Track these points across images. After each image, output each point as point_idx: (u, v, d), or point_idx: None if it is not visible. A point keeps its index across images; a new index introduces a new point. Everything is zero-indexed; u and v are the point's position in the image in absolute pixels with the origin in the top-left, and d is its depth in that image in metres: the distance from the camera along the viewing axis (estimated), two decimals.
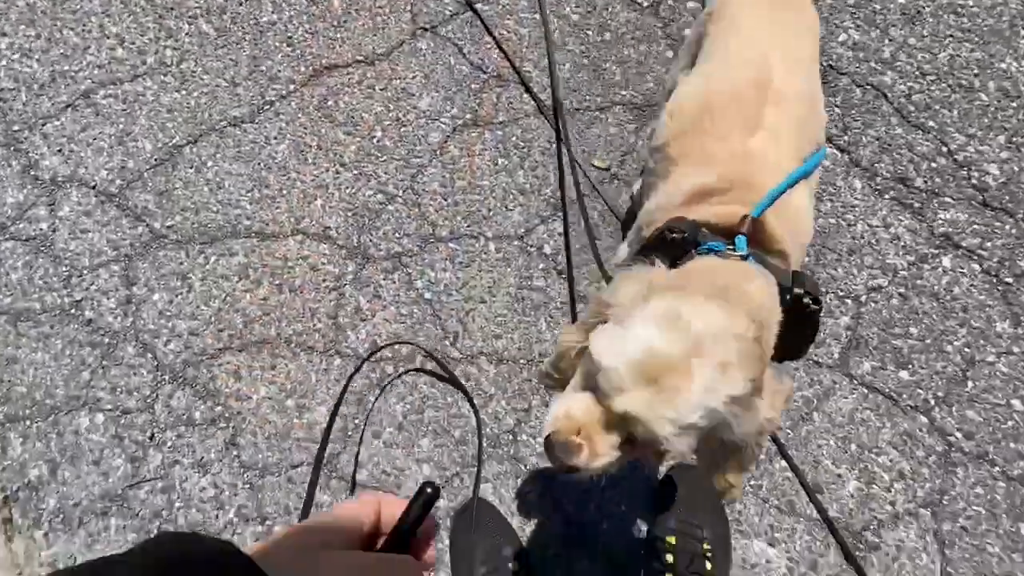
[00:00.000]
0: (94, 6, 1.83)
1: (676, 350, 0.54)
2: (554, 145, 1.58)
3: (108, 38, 1.80)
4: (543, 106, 1.60)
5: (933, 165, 1.48)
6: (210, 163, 1.65)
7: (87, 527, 1.38)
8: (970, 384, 1.32)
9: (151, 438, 1.43)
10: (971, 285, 1.39)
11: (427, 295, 1.49)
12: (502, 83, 1.66)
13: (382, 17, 1.80)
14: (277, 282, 1.52)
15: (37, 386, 1.49)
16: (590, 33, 1.72)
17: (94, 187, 1.65)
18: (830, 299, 1.38)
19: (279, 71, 1.75)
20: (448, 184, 1.57)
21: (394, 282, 1.51)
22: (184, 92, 1.74)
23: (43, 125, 1.72)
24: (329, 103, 1.70)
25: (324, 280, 1.52)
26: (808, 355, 1.33)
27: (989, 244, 1.43)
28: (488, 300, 1.46)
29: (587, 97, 1.61)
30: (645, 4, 1.76)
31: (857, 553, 1.21)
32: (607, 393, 0.58)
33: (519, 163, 1.56)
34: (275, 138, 1.66)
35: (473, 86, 1.67)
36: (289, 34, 1.79)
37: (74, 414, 1.46)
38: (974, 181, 1.47)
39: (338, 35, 1.78)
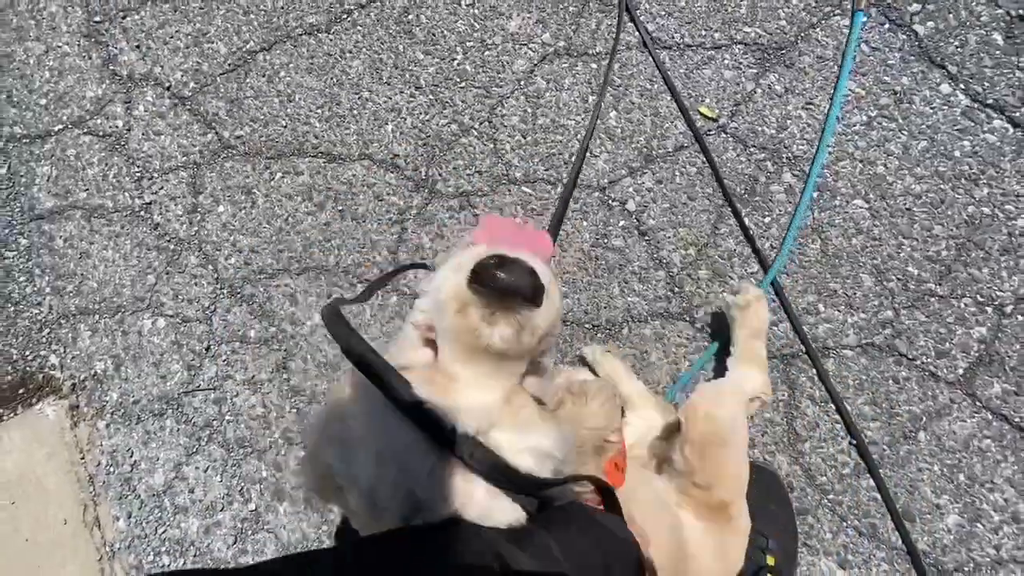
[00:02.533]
0: None
1: None
2: (655, 87, 1.31)
3: None
4: (650, 39, 1.31)
5: None
6: (282, 73, 1.48)
7: (144, 424, 1.35)
8: None
9: (207, 349, 1.36)
10: None
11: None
12: (605, 7, 1.37)
13: None
14: (340, 208, 1.37)
15: (106, 283, 1.44)
16: None
17: (168, 88, 1.52)
18: (966, 304, 1.10)
19: None
20: (529, 120, 1.34)
21: (459, 222, 1.33)
22: (246, 19, 1.55)
23: (123, 18, 1.58)
24: (410, 16, 1.46)
25: (388, 212, 1.35)
26: (925, 365, 1.07)
27: None
28: (557, 255, 1.26)
29: (703, 31, 1.30)
30: None
31: None
32: None
33: (612, 103, 1.31)
34: (350, 52, 1.46)
35: (571, 8, 1.39)
36: None
37: (139, 315, 1.40)
38: None
39: None
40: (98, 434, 1.33)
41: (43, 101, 1.56)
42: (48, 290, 1.43)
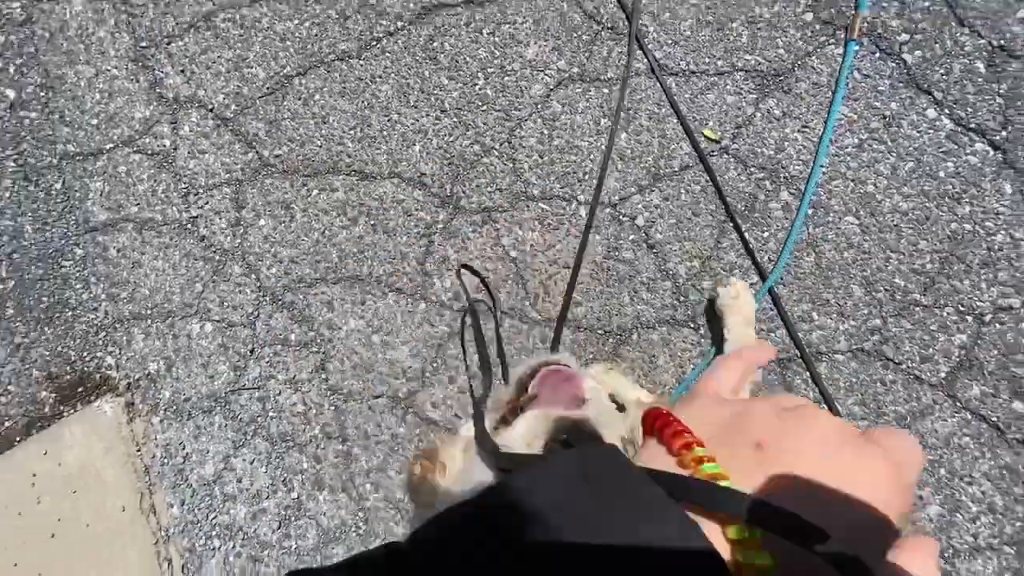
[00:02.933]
0: None
1: None
2: (663, 110, 1.41)
3: None
4: (657, 66, 1.42)
5: None
6: (317, 96, 1.59)
7: (195, 420, 1.47)
8: None
9: (251, 352, 1.48)
10: None
11: (513, 253, 1.42)
12: (616, 36, 1.48)
13: None
14: (372, 222, 1.49)
15: (157, 290, 1.56)
16: None
17: (212, 110, 1.64)
18: (948, 313, 1.20)
19: (388, 6, 1.63)
20: (546, 142, 1.44)
21: (482, 236, 1.44)
22: (296, 21, 1.66)
23: (168, 44, 1.71)
24: (435, 44, 1.58)
25: (416, 226, 1.47)
26: (910, 369, 1.17)
27: None
28: (572, 265, 1.37)
29: (707, 59, 1.40)
30: None
31: None
32: None
33: (623, 126, 1.41)
34: (379, 77, 1.57)
35: (584, 37, 1.50)
36: None
37: (188, 320, 1.52)
38: None
39: None
40: (153, 429, 1.46)
41: (94, 121, 1.69)
42: (103, 297, 1.56)
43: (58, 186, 1.66)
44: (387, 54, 1.56)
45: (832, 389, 1.19)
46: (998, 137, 1.22)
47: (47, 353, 1.50)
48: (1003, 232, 1.20)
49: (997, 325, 1.17)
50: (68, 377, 1.51)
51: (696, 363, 1.26)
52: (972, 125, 1.25)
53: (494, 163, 1.43)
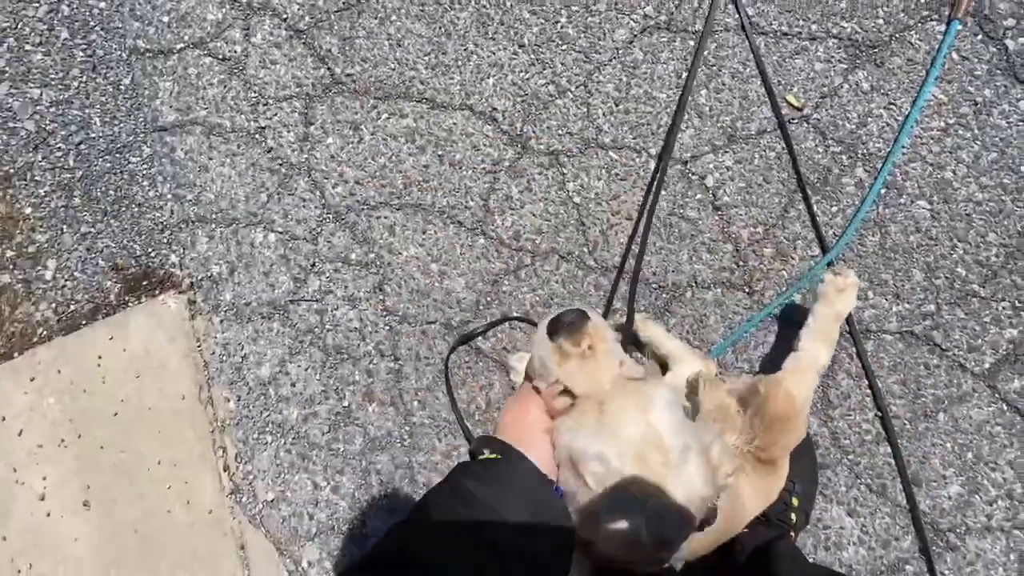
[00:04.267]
0: None
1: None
2: (747, 70, 1.36)
3: None
4: (749, 23, 1.36)
5: None
6: (394, 17, 1.54)
7: (254, 324, 1.52)
8: None
9: (312, 266, 1.51)
10: None
11: (576, 199, 1.41)
12: None
13: None
14: (439, 153, 1.48)
15: (223, 196, 1.57)
16: None
17: (285, 19, 1.59)
18: (1004, 307, 1.20)
19: None
20: (623, 89, 1.41)
21: (547, 179, 1.43)
22: None
23: None
24: None
25: (483, 162, 1.46)
26: (955, 357, 1.19)
27: None
28: (635, 218, 1.37)
29: (801, 21, 1.34)
30: None
31: (934, 548, 1.16)
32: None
33: (704, 81, 1.37)
34: (460, 3, 1.51)
35: None
36: None
37: (251, 228, 1.54)
38: None
39: None
40: (213, 327, 1.51)
41: (165, 19, 1.65)
42: (169, 196, 1.58)
43: (127, 81, 1.64)
44: None
45: (875, 366, 1.21)
46: None
47: (113, 245, 1.54)
48: None
49: None
50: (133, 270, 1.55)
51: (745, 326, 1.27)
52: None
53: (568, 106, 1.41)
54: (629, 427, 0.55)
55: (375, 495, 1.37)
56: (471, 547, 0.49)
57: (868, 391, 1.19)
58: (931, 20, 1.26)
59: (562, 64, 1.40)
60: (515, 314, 1.32)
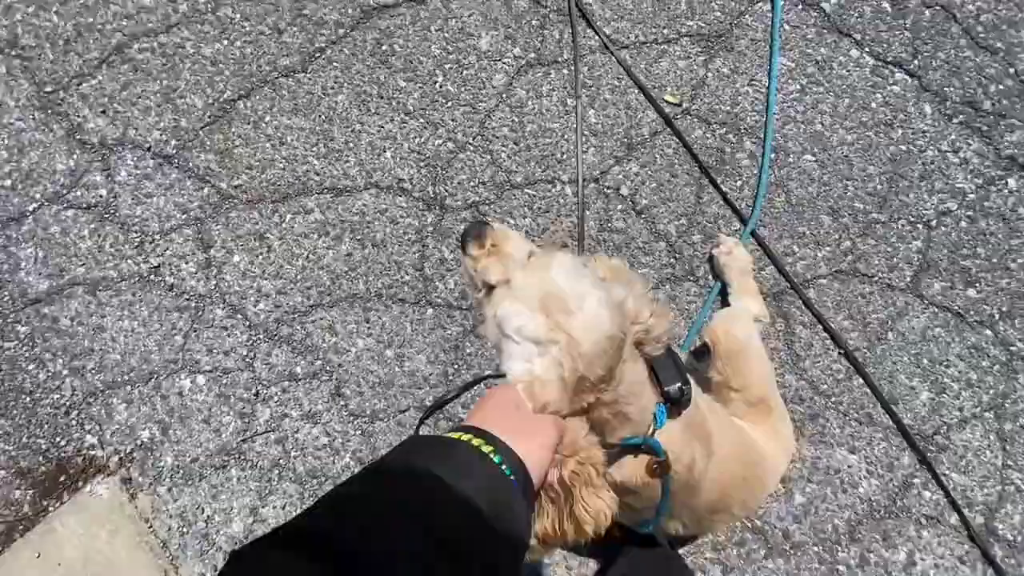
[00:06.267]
0: None
1: (573, 313, 0.61)
2: (623, 83, 1.44)
3: None
4: (607, 41, 1.44)
5: (1001, 87, 1.39)
6: (268, 118, 1.47)
7: (208, 480, 1.33)
8: None
9: (256, 395, 1.36)
10: None
11: None
12: (563, 17, 1.48)
13: None
14: (358, 237, 1.41)
15: (131, 352, 1.39)
16: None
17: (149, 148, 1.46)
18: (902, 224, 1.33)
19: (324, 15, 1.53)
20: (518, 129, 1.43)
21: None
22: (226, 42, 1.52)
23: (78, 85, 1.50)
24: (383, 47, 1.50)
25: (405, 233, 1.40)
26: (882, 279, 1.29)
27: None
28: (571, 244, 1.37)
29: (652, 29, 1.44)
30: None
31: (928, 454, 1.23)
32: (529, 265, 0.65)
33: (589, 103, 1.42)
34: (332, 88, 1.48)
35: (533, 23, 1.49)
36: None
37: (174, 377, 1.37)
38: None
39: None
40: (161, 500, 1.31)
41: (8, 182, 1.46)
42: (65, 372, 1.37)
43: None
44: (334, 64, 1.47)
45: (823, 311, 1.29)
46: (912, 65, 1.36)
47: (10, 447, 1.30)
48: (932, 148, 1.34)
49: (942, 228, 1.31)
50: (44, 468, 1.31)
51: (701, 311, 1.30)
52: (889, 59, 1.38)
53: (471, 157, 1.40)
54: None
55: None
56: (421, 540, 0.41)
57: (825, 335, 1.26)
58: (758, 2, 1.40)
59: (452, 120, 1.40)
60: (488, 372, 1.26)
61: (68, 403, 1.34)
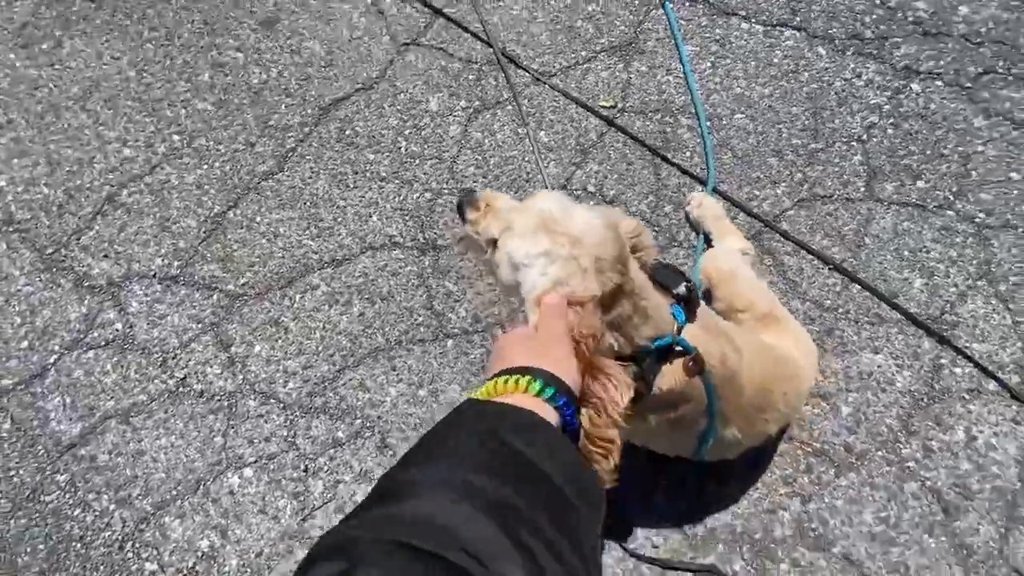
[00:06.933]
0: (83, 120, 1.74)
1: (572, 228, 0.66)
2: (561, 103, 1.62)
3: (110, 143, 1.72)
4: (537, 75, 1.64)
5: (874, 16, 1.61)
6: (258, 218, 1.60)
7: (277, 570, 1.30)
8: (973, 174, 1.44)
9: (305, 471, 1.37)
10: (942, 99, 1.52)
11: None
12: (494, 66, 1.69)
13: (364, 46, 1.79)
14: (366, 296, 1.49)
15: (174, 467, 1.40)
16: (552, 3, 1.77)
17: (154, 275, 1.56)
18: (839, 146, 1.48)
19: (288, 120, 1.71)
20: (483, 165, 1.58)
21: (471, 261, 1.50)
22: (207, 166, 1.68)
23: (78, 239, 1.62)
24: (347, 131, 1.67)
25: (408, 280, 1.49)
26: (840, 196, 1.42)
27: (942, 62, 1.57)
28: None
29: (572, 55, 1.65)
30: None
31: (945, 333, 1.30)
32: (521, 206, 0.71)
33: (537, 127, 1.59)
34: (310, 178, 1.62)
35: (470, 77, 1.69)
36: (284, 87, 1.76)
37: (221, 477, 1.37)
38: (910, 18, 1.61)
39: (330, 73, 1.76)
40: None
41: (24, 344, 1.53)
42: (112, 507, 1.36)
43: (6, 425, 1.45)
44: (307, 157, 1.63)
45: (801, 237, 1.39)
46: (795, 22, 1.58)
47: None
48: (838, 79, 1.53)
49: (874, 139, 1.46)
50: None
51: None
52: (775, 22, 1.60)
53: (449, 198, 1.53)
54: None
55: None
56: (527, 539, 0.36)
57: (811, 257, 1.36)
58: (652, 10, 1.63)
59: (424, 174, 1.54)
60: None
61: (120, 537, 1.33)
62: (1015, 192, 1.38)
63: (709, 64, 1.55)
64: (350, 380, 1.38)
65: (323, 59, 1.74)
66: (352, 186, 1.55)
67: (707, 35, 1.58)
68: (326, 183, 1.56)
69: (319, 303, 1.45)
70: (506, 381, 0.53)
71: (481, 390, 0.56)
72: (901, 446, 1.19)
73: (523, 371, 0.54)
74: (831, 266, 1.33)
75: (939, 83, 1.50)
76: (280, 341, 1.43)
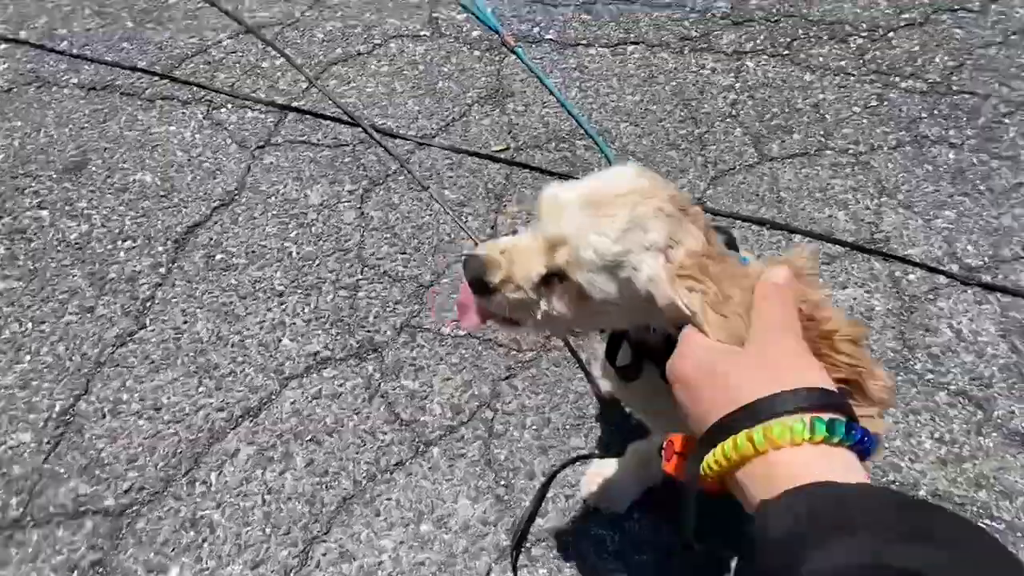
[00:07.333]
0: None
1: (620, 189, 0.51)
2: (456, 158, 1.52)
3: None
4: (418, 140, 1.54)
5: (690, 20, 1.81)
6: (124, 397, 1.20)
7: None
8: (827, 117, 1.62)
9: None
10: (774, 67, 1.72)
11: (460, 332, 1.29)
12: (369, 143, 1.55)
13: (209, 161, 1.54)
14: (307, 438, 1.15)
15: None
16: (407, 73, 1.72)
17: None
18: (720, 125, 1.57)
19: (135, 267, 1.37)
20: (395, 242, 1.39)
21: (423, 346, 1.26)
22: (28, 356, 1.24)
23: None
24: (217, 257, 1.38)
25: (355, 397, 1.20)
26: (740, 165, 1.48)
27: (758, 41, 1.80)
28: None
29: (445, 112, 1.59)
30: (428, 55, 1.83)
31: (883, 250, 1.36)
32: (542, 220, 0.54)
33: (439, 187, 1.47)
34: (185, 323, 1.28)
35: (346, 160, 1.53)
36: (116, 231, 1.42)
37: None
38: (718, 15, 1.84)
39: (175, 200, 1.47)
40: None
41: None
42: None
43: None
44: (172, 300, 1.30)
45: (729, 209, 1.41)
46: (631, 38, 1.71)
47: None
48: (689, 74, 1.67)
49: (742, 111, 1.58)
50: None
51: None
52: (615, 42, 1.72)
53: (370, 288, 1.30)
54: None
55: None
56: None
57: (745, 223, 1.37)
58: (507, 58, 1.65)
59: (330, 272, 1.33)
60: (574, 455, 1.07)
61: None
62: (863, 121, 1.57)
63: (577, 89, 1.59)
64: (324, 555, 1.01)
65: (160, 188, 1.44)
66: (244, 314, 1.24)
67: (563, 66, 1.63)
68: (208, 322, 1.23)
69: (247, 472, 1.08)
70: (765, 433, 0.34)
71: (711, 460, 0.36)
72: (912, 363, 1.17)
73: (799, 409, 0.35)
74: (768, 225, 1.34)
75: (765, 56, 1.70)
76: (207, 547, 1.01)
